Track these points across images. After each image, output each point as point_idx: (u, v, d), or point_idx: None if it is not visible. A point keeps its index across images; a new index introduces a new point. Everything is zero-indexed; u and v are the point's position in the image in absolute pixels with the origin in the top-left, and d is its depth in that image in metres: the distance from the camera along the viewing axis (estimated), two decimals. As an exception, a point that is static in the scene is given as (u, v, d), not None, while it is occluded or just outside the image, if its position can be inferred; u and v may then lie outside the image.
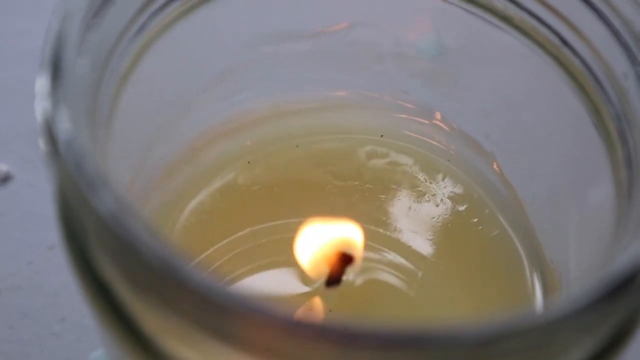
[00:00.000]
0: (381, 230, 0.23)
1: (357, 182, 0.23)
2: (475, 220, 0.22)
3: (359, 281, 0.22)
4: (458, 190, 0.23)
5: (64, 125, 0.12)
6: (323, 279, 0.19)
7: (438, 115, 0.22)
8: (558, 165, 0.19)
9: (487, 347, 0.12)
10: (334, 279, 0.19)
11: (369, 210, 0.23)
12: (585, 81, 0.16)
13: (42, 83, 0.13)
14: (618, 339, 0.14)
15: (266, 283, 0.21)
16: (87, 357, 0.25)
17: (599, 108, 0.16)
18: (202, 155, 0.21)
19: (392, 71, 0.22)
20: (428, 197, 0.23)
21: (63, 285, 0.26)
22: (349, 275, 0.20)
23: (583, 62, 0.16)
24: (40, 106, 0.12)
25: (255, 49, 0.20)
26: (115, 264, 0.13)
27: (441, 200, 0.23)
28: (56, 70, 0.13)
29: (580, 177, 0.18)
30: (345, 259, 0.19)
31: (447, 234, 0.23)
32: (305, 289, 0.20)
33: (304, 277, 0.20)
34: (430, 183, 0.23)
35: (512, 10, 0.18)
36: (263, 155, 0.22)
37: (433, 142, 0.23)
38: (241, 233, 0.22)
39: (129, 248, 0.12)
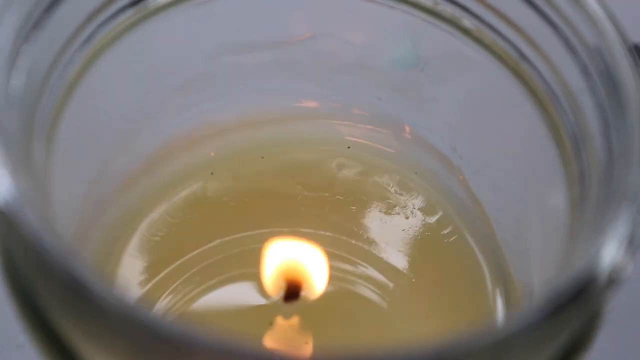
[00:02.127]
0: (353, 241, 0.23)
1: (326, 194, 0.23)
2: (442, 233, 0.22)
3: (327, 291, 0.22)
4: (425, 203, 0.22)
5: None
6: (281, 294, 0.19)
7: (405, 127, 0.22)
8: (520, 180, 0.19)
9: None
10: (291, 295, 0.19)
11: (339, 221, 0.23)
12: (543, 95, 0.16)
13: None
14: (575, 348, 0.14)
15: (224, 297, 0.20)
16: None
17: (556, 122, 0.16)
18: (164, 165, 0.21)
19: (358, 83, 0.22)
20: (398, 209, 0.23)
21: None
22: (311, 291, 0.20)
23: (541, 76, 0.16)
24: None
25: (217, 59, 0.20)
26: (56, 302, 0.13)
27: (411, 212, 0.23)
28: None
29: (539, 192, 0.18)
30: (296, 285, 0.19)
31: (416, 246, 0.23)
32: (263, 301, 0.20)
33: (263, 291, 0.20)
34: (400, 195, 0.23)
35: (473, 24, 0.18)
36: (227, 166, 0.22)
37: (400, 154, 0.22)
38: (206, 246, 0.22)
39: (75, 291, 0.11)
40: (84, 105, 0.16)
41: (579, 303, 0.12)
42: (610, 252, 0.12)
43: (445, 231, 0.22)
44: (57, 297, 0.12)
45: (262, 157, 0.22)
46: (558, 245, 0.16)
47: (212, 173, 0.22)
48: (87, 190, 0.18)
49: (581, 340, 0.13)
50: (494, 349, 0.11)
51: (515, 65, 0.17)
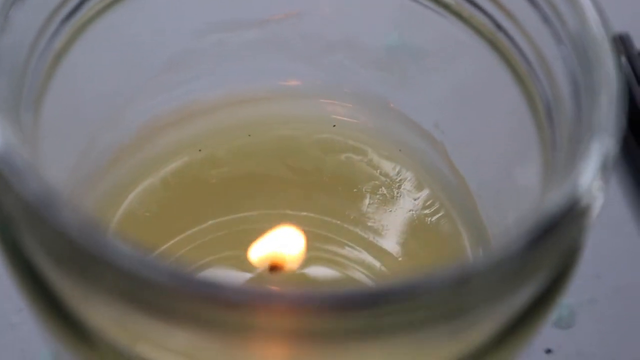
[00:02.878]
0: (338, 222, 0.23)
1: (312, 174, 0.23)
2: (428, 211, 0.22)
3: (313, 272, 0.22)
4: (410, 180, 0.23)
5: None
6: (266, 266, 0.19)
7: (389, 105, 0.22)
8: (499, 152, 0.19)
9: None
10: (276, 266, 0.19)
11: (325, 202, 0.23)
12: (518, 65, 0.17)
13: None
14: (554, 287, 0.14)
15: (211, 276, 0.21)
16: (45, 349, 0.25)
17: (531, 91, 0.16)
18: (151, 143, 0.21)
19: (343, 61, 0.22)
20: (383, 188, 0.23)
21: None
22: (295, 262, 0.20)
23: (516, 46, 0.16)
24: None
25: (203, 36, 0.20)
26: (43, 249, 0.13)
27: (396, 190, 0.23)
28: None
29: (516, 162, 0.18)
30: (281, 258, 0.19)
31: (401, 225, 0.23)
32: (249, 276, 0.20)
33: (250, 267, 0.20)
34: (385, 174, 0.23)
35: (452, -2, 0.18)
36: (215, 144, 0.22)
37: (385, 132, 0.23)
38: (193, 229, 0.22)
39: (55, 230, 0.12)
40: (70, 78, 0.17)
41: (559, 230, 0.12)
42: (585, 179, 0.13)
43: (431, 209, 0.23)
44: (47, 247, 0.12)
45: (249, 135, 0.23)
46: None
47: (199, 150, 0.22)
48: (75, 165, 0.19)
49: (560, 278, 0.14)
50: (469, 283, 0.12)
51: (492, 37, 0.17)
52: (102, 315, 0.13)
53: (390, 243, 0.23)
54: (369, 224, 0.23)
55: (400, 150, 0.23)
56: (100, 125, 0.19)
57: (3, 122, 0.12)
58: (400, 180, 0.23)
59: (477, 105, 0.20)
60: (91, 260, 0.11)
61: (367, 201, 0.23)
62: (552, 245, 0.13)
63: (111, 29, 0.18)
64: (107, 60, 0.18)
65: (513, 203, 0.19)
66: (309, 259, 0.21)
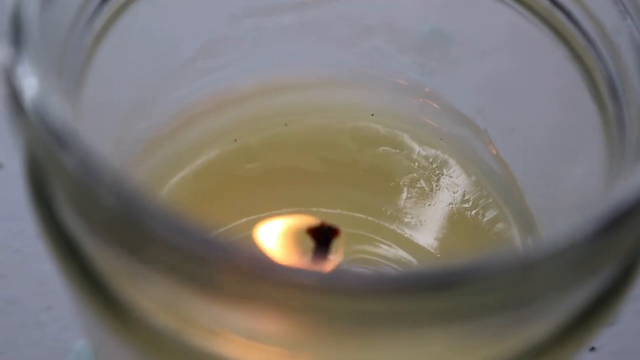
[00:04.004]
0: (372, 219, 0.22)
1: (348, 166, 0.23)
2: (468, 204, 0.22)
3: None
4: (452, 170, 0.22)
5: (27, 74, 0.12)
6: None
7: (430, 91, 0.22)
8: (551, 137, 0.18)
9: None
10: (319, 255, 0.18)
11: (361, 198, 0.22)
12: (576, 42, 0.16)
13: (1, 34, 0.12)
14: (626, 275, 0.13)
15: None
16: (73, 346, 0.24)
17: (591, 68, 0.15)
18: (185, 132, 0.20)
19: (381, 47, 0.21)
20: (422, 181, 0.22)
21: (50, 273, 0.26)
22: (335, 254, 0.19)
23: (574, 21, 0.16)
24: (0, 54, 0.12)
25: (238, 22, 0.20)
26: (85, 222, 0.12)
27: (435, 183, 0.22)
28: (18, 24, 0.12)
29: (572, 146, 0.17)
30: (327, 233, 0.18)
31: (441, 219, 0.22)
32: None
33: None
34: (424, 165, 0.22)
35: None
36: (250, 133, 0.21)
37: (425, 120, 0.22)
38: (227, 226, 0.21)
39: (97, 200, 0.11)
40: (107, 64, 0.16)
41: (634, 216, 0.11)
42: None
43: (473, 200, 0.22)
44: (94, 223, 0.12)
45: (286, 125, 0.22)
46: (596, 196, 0.16)
47: (235, 140, 0.21)
48: (108, 155, 0.18)
49: (630, 269, 0.13)
50: (536, 268, 0.11)
51: (547, 14, 0.16)
52: (148, 296, 0.13)
53: (429, 239, 0.22)
54: (406, 219, 0.22)
55: (441, 139, 0.22)
56: (135, 114, 0.19)
57: (56, 99, 0.12)
58: (442, 170, 0.22)
59: (523, 88, 0.19)
60: (143, 236, 0.11)
61: (404, 195, 0.22)
62: (626, 232, 0.12)
63: (148, 13, 0.17)
64: (143, 46, 0.18)
65: (565, 191, 0.18)
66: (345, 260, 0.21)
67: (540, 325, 0.14)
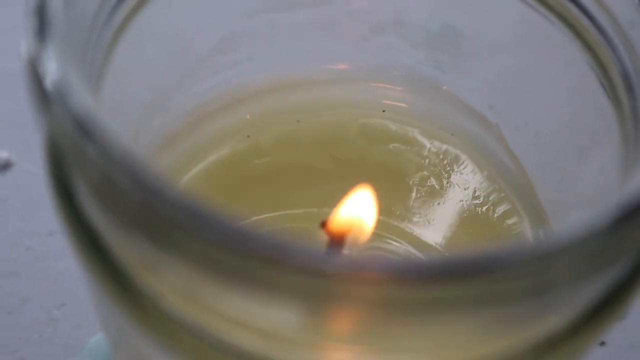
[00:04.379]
0: (381, 218, 0.22)
1: (357, 165, 0.23)
2: (479, 200, 0.22)
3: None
4: (464, 165, 0.22)
5: (51, 60, 0.12)
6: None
7: (441, 86, 0.22)
8: (564, 132, 0.19)
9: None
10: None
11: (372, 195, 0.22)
12: (590, 36, 0.16)
13: (27, 27, 0.12)
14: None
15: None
16: (86, 343, 0.24)
17: (605, 62, 0.16)
18: (199, 128, 0.20)
19: (393, 43, 0.21)
20: (432, 179, 0.22)
21: (63, 271, 0.26)
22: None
23: (588, 15, 0.16)
24: (24, 46, 0.12)
25: (254, 17, 0.20)
26: (108, 211, 0.12)
27: (445, 180, 0.22)
28: (42, 18, 0.13)
29: (585, 141, 0.18)
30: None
31: (451, 217, 0.22)
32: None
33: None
34: (435, 162, 0.22)
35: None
36: (264, 130, 0.22)
37: (437, 116, 0.22)
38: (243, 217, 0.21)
39: (120, 188, 0.11)
40: (126, 57, 0.16)
41: None
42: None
43: (486, 196, 0.22)
44: (96, 188, 0.12)
45: (298, 121, 0.22)
46: (606, 192, 0.16)
47: (248, 136, 0.21)
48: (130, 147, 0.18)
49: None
50: (555, 257, 0.11)
51: (560, 8, 0.16)
52: (170, 286, 0.13)
53: (439, 237, 0.22)
54: (415, 219, 0.22)
55: (452, 134, 0.22)
56: (152, 109, 0.19)
57: (79, 86, 0.12)
58: (453, 165, 0.22)
59: (536, 83, 0.19)
60: (166, 224, 0.11)
61: (414, 194, 0.22)
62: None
63: (165, 9, 0.17)
64: (160, 42, 0.18)
65: (578, 186, 0.19)
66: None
67: (555, 317, 0.14)
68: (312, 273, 0.10)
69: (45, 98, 0.12)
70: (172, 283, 0.12)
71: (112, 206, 0.12)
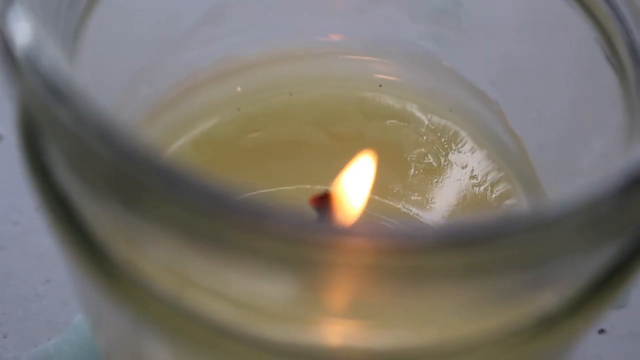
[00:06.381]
0: (377, 197, 0.22)
1: (353, 140, 0.22)
2: (479, 179, 0.21)
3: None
4: (462, 143, 0.21)
5: (18, 19, 0.11)
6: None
7: (441, 61, 0.21)
8: (566, 110, 0.18)
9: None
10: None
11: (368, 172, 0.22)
12: (596, 7, 0.15)
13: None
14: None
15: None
16: (72, 320, 0.24)
17: (610, 32, 0.15)
18: (188, 99, 0.20)
19: (391, 15, 0.20)
20: (430, 156, 0.22)
21: (49, 247, 0.25)
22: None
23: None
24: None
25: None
26: (82, 179, 0.12)
27: (443, 158, 0.21)
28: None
29: (588, 121, 0.17)
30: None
31: (451, 195, 0.21)
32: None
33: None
34: (432, 136, 0.22)
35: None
36: (254, 103, 0.21)
37: (435, 92, 0.21)
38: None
39: (94, 154, 0.10)
40: (105, 26, 0.16)
41: None
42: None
43: (485, 175, 0.21)
44: (70, 155, 0.11)
45: (291, 94, 0.21)
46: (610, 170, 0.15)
47: (238, 109, 0.21)
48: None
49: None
50: (557, 224, 0.10)
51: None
52: (148, 258, 0.12)
53: (436, 216, 0.21)
54: (413, 197, 0.21)
55: (451, 110, 0.21)
56: (137, 80, 0.18)
57: (50, 46, 0.11)
58: (451, 143, 0.21)
59: (538, 59, 0.18)
60: (143, 190, 0.10)
61: (411, 171, 0.22)
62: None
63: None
64: (145, 10, 0.17)
65: (580, 165, 0.18)
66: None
67: (552, 295, 0.13)
68: (299, 239, 0.10)
69: (13, 61, 0.11)
70: (148, 253, 0.12)
71: (86, 172, 0.11)
